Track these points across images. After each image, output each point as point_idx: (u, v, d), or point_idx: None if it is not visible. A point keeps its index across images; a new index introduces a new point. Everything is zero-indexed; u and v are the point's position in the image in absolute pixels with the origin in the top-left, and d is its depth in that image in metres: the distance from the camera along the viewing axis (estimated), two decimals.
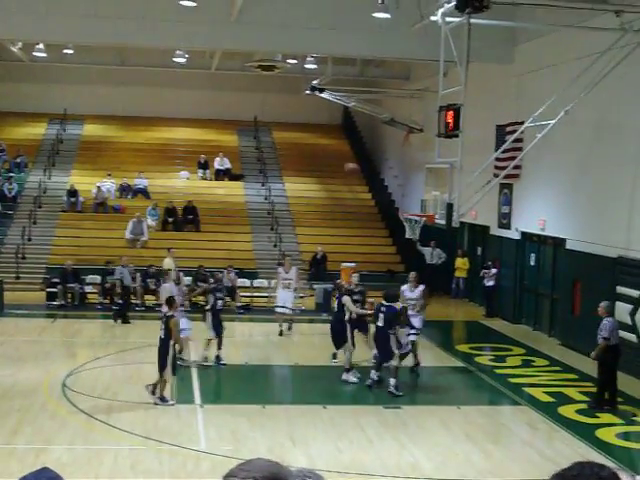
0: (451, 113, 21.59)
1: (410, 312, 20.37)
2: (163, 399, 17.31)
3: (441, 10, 21.41)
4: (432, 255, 34.23)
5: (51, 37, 29.96)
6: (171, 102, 44.26)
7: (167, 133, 44.31)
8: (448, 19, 21.34)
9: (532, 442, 15.90)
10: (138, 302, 29.44)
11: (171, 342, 17.25)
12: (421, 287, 21.08)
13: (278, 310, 25.88)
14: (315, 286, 30.98)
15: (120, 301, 27.79)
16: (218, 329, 20.77)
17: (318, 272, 32.93)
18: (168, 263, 28.90)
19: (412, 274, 21.57)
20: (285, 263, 26.95)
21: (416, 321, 20.74)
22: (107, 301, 29.46)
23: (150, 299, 29.37)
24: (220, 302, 21.37)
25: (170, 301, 18.02)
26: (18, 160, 39.75)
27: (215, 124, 44.59)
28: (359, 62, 38.88)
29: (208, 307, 21.08)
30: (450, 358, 23.53)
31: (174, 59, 37.28)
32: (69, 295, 29.80)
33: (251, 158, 42.97)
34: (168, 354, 17.20)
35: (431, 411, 17.89)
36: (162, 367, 17.17)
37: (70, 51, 38.21)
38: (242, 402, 17.77)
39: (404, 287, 21.30)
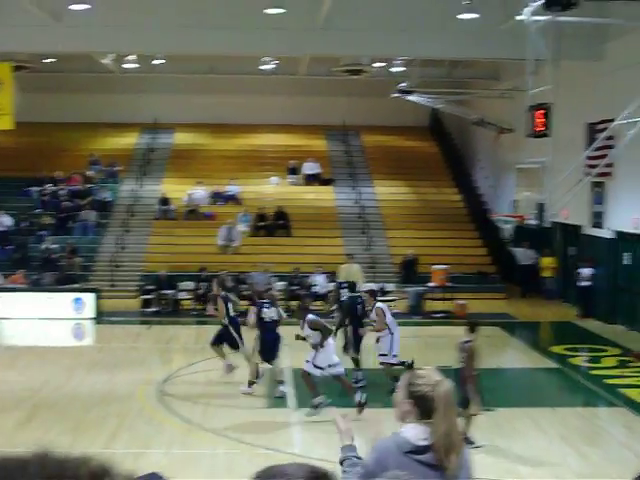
0: (541, 112, 21.41)
1: None
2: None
3: (528, 9, 21.24)
4: (524, 256, 33.96)
5: (142, 49, 30.53)
6: (259, 109, 44.56)
7: (256, 139, 44.63)
8: (536, 17, 21.16)
9: (629, 444, 15.65)
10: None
11: None
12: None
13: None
14: (407, 289, 30.94)
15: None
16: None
17: (409, 275, 32.86)
18: (346, 269, 28.84)
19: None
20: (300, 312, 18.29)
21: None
22: (201, 307, 29.80)
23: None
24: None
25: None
26: (111, 170, 40.43)
27: (303, 129, 44.74)
28: (446, 63, 38.73)
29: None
30: (544, 359, 23.27)
31: (262, 66, 37.57)
32: (163, 302, 30.22)
33: (340, 162, 43.04)
34: None
35: (525, 413, 17.73)
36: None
37: (160, 61, 38.75)
38: (337, 405, 17.80)
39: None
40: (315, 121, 44.65)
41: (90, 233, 35.95)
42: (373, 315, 19.14)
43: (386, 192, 40.25)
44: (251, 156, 42.92)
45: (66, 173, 38.97)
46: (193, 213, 37.45)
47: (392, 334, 18.97)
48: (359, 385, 19.07)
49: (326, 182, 40.94)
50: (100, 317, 28.74)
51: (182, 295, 30.73)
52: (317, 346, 16.84)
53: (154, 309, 30.04)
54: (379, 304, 19.33)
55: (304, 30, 27.24)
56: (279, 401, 17.81)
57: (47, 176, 38.49)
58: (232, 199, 38.86)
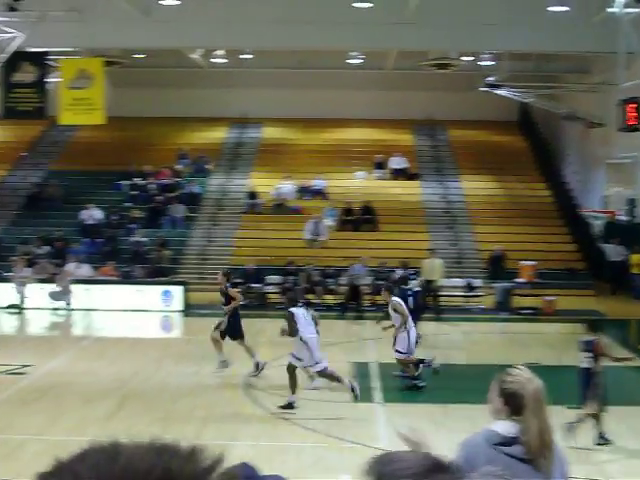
0: (633, 106, 21.09)
1: None
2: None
3: (620, 1, 20.94)
4: (614, 252, 33.43)
5: (231, 44, 30.79)
6: (346, 103, 44.55)
7: (343, 134, 44.68)
8: (628, 10, 20.85)
9: None
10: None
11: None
12: None
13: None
14: (494, 285, 30.71)
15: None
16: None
17: (496, 271, 32.58)
18: (429, 264, 29.00)
19: None
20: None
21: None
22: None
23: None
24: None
25: None
26: (200, 164, 40.83)
27: (390, 124, 44.63)
28: (535, 57, 38.30)
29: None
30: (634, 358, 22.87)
31: (349, 61, 37.59)
32: (251, 295, 30.42)
33: (427, 157, 42.88)
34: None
35: (615, 412, 17.45)
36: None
37: (248, 56, 39.03)
38: (424, 401, 17.76)
39: None
40: (402, 115, 44.49)
41: (179, 226, 36.36)
42: (391, 310, 19.04)
43: (473, 187, 39.96)
44: (338, 150, 42.96)
45: (155, 167, 39.47)
46: (280, 207, 37.63)
47: (408, 330, 18.75)
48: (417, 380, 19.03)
49: (413, 177, 40.80)
50: (188, 309, 29.09)
51: (269, 289, 30.92)
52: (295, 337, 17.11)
53: (241, 302, 30.24)
54: (394, 298, 19.23)
55: (392, 24, 27.18)
56: (367, 395, 17.79)
57: (137, 170, 39.06)
58: (319, 193, 38.96)
